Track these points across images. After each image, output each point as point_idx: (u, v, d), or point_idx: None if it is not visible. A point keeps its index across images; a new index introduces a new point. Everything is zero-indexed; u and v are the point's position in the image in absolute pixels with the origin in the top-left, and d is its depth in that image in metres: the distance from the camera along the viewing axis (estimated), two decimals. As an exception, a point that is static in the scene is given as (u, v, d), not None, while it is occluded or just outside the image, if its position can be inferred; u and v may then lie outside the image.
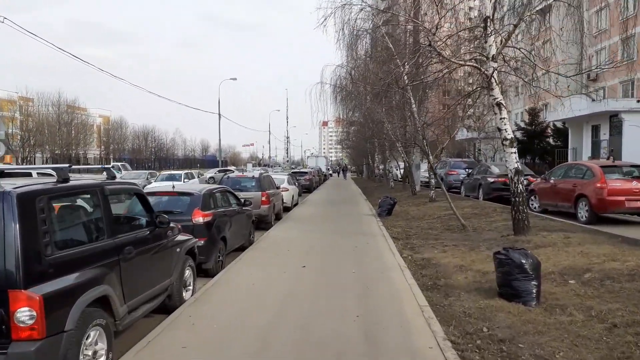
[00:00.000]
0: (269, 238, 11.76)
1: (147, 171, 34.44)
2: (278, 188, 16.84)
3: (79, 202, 4.77)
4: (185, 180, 22.78)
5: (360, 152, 48.97)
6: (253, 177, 14.68)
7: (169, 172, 27.14)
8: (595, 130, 29.81)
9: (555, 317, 5.35)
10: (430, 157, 13.25)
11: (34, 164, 76.15)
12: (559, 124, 35.28)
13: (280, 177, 20.96)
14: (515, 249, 6.05)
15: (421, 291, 6.51)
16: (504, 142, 9.61)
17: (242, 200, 10.80)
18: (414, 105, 17.35)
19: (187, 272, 6.80)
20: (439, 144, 17.06)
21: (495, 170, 18.03)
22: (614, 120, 27.22)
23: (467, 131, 40.11)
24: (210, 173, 55.08)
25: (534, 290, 5.80)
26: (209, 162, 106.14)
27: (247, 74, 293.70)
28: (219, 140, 57.22)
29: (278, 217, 16.51)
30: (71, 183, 4.57)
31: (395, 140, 21.22)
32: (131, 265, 5.06)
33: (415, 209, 16.78)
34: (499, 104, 9.47)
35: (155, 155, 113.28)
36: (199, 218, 8.30)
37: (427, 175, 27.19)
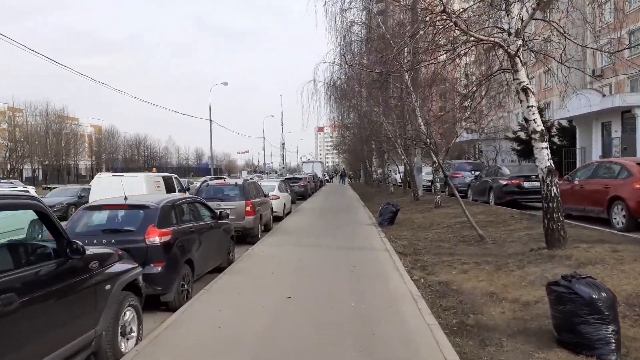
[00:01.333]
0: (253, 256, 9.97)
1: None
2: (266, 196, 15.06)
3: None
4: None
5: (356, 156, 47.28)
6: (236, 184, 12.89)
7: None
8: (606, 127, 28.17)
9: (654, 382, 3.60)
10: (439, 158, 11.50)
11: (22, 175, 74.11)
12: (564, 123, 33.63)
13: (271, 184, 19.21)
14: (580, 278, 4.28)
15: (446, 336, 4.74)
16: (533, 136, 7.88)
17: (218, 213, 9.02)
18: (415, 102, 15.65)
19: (128, 315, 5.03)
20: (444, 144, 15.34)
21: (507, 171, 16.29)
22: (627, 116, 25.59)
23: (467, 132, 38.54)
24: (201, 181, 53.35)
25: (613, 339, 4.03)
26: (203, 170, 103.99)
27: (241, 80, 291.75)
28: (211, 147, 55.62)
29: (267, 229, 14.76)
30: None
31: (394, 141, 19.48)
32: (14, 321, 3.29)
33: (420, 216, 15.01)
34: (525, 90, 7.74)
35: (147, 164, 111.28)
36: (154, 237, 6.52)
37: (430, 179, 25.48)
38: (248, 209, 12.34)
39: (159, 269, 6.45)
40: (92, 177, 58.46)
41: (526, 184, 15.37)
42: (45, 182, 67.84)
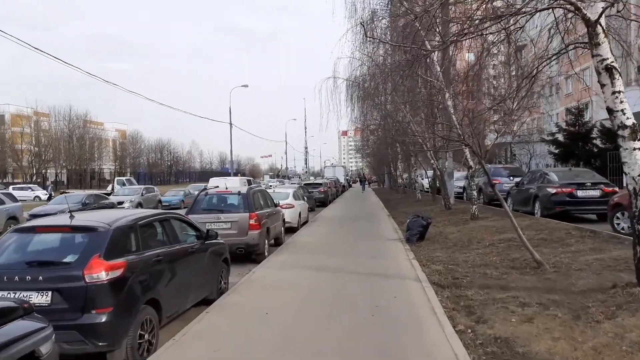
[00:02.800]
0: (251, 282, 8.11)
1: (143, 186, 31.31)
2: (276, 206, 13.21)
3: None
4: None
5: (380, 160, 45.11)
6: (239, 192, 11.06)
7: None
8: (658, 128, 25.43)
9: None
10: (477, 162, 9.50)
11: (47, 179, 74.18)
12: (607, 124, 30.90)
13: (285, 191, 17.39)
14: None
15: None
16: (620, 132, 5.79)
17: (205, 231, 7.19)
18: (447, 98, 13.63)
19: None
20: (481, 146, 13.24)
21: (555, 178, 14.07)
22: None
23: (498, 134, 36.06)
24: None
25: None
26: (226, 174, 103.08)
27: (264, 84, 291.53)
28: (231, 150, 54.62)
29: (278, 243, 12.97)
30: None
31: (423, 143, 17.42)
32: None
33: (454, 230, 12.92)
34: (609, 69, 5.69)
35: (171, 169, 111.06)
36: (99, 273, 4.71)
37: (462, 185, 23.28)
38: (252, 222, 10.51)
39: (104, 318, 4.64)
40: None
41: (580, 193, 13.15)
42: (67, 187, 67.74)
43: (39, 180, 69.08)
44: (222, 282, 7.66)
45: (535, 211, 14.13)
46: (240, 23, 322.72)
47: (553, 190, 13.46)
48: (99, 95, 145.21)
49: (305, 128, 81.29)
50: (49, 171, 75.49)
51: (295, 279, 8.20)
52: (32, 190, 46.10)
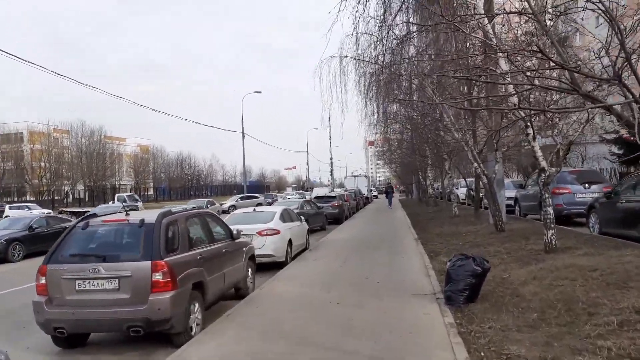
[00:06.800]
0: None
1: (126, 203, 27.08)
2: (234, 238, 8.25)
3: None
4: None
5: (406, 167, 39.70)
6: (141, 224, 6.13)
7: None
8: None
9: None
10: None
11: (60, 197, 71.46)
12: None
13: (269, 211, 12.54)
14: None
15: None
16: None
17: None
18: (504, 62, 8.61)
19: None
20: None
21: (682, 183, 8.74)
22: None
23: (542, 137, 30.50)
24: (230, 202, 47.70)
25: None
26: (250, 187, 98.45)
27: (288, 95, 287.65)
28: (243, 160, 50.57)
29: (240, 295, 8.22)
30: None
31: (463, 140, 12.31)
32: None
33: (525, 274, 7.69)
34: None
35: (191, 183, 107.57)
36: None
37: (515, 195, 17.92)
38: (157, 277, 5.65)
39: None
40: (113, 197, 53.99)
41: None
42: (79, 203, 64.59)
43: (50, 197, 66.35)
44: None
45: (652, 238, 8.83)
46: (264, 39, 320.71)
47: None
48: (126, 113, 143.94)
49: (330, 138, 76.41)
50: (65, 188, 72.76)
51: None
52: (29, 209, 42.54)
